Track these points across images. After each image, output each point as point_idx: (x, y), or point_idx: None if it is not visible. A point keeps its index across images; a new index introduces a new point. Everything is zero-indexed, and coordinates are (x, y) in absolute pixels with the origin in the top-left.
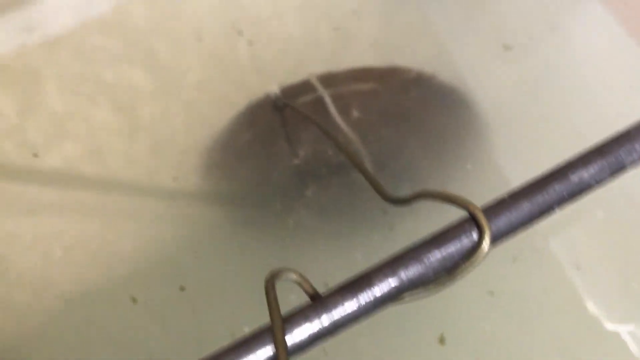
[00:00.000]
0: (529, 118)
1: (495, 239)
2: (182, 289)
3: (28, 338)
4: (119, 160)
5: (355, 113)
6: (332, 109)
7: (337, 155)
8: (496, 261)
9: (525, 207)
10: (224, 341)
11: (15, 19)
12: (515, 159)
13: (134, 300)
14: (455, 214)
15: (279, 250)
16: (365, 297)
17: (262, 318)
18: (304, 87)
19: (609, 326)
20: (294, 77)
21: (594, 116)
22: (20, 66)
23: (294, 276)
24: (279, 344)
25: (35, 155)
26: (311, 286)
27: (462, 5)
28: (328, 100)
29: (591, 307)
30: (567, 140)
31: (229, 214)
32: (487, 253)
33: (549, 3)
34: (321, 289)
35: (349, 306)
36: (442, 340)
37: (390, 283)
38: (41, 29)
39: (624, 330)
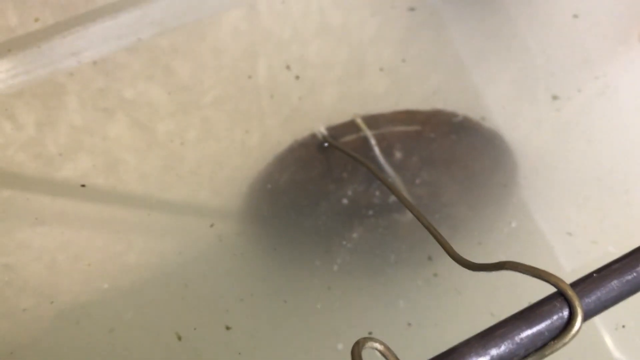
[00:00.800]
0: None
1: (586, 317)
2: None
3: (30, 347)
4: (133, 175)
5: (398, 155)
6: (376, 150)
7: (382, 196)
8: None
9: (614, 286)
10: None
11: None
12: (553, 215)
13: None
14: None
15: (324, 294)
16: None
17: None
18: (349, 127)
19: None
20: (339, 118)
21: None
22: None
23: (379, 347)
24: None
25: (49, 166)
26: (396, 357)
27: (500, 48)
28: (372, 141)
29: None
30: (607, 195)
31: (270, 257)
32: (578, 331)
33: (592, 51)
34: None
35: None
36: None
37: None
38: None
39: None
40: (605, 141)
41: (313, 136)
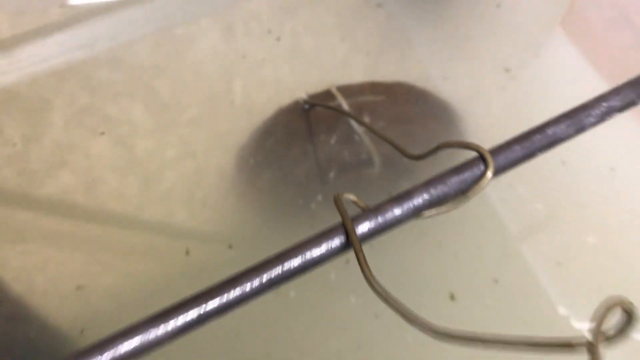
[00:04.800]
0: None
1: (497, 172)
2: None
3: None
4: (111, 194)
5: (367, 119)
6: (355, 127)
7: (353, 155)
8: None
9: (517, 150)
10: None
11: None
12: None
13: None
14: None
15: (305, 228)
16: (406, 206)
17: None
18: (326, 95)
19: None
20: (318, 88)
21: None
22: (31, 94)
23: (352, 197)
24: (351, 231)
25: (31, 182)
26: (364, 203)
27: (450, 35)
28: (345, 107)
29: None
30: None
31: (259, 208)
32: (490, 180)
33: (530, 34)
34: None
35: (394, 212)
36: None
37: (425, 196)
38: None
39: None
40: (540, 113)
41: (296, 102)
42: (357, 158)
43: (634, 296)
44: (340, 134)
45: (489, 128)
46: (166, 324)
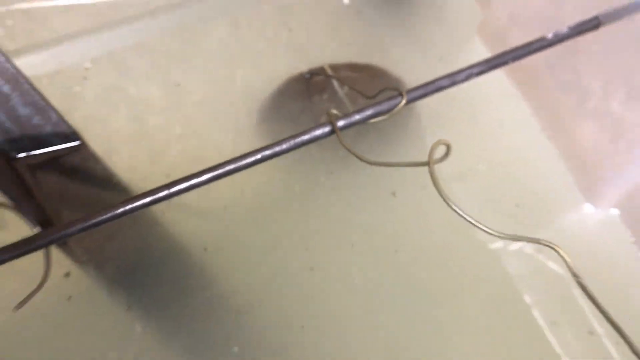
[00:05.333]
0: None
1: (409, 100)
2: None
3: None
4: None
5: (346, 88)
6: (336, 84)
7: (336, 106)
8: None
9: (419, 91)
10: None
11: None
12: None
13: None
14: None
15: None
16: (363, 114)
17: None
18: (321, 70)
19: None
20: (315, 65)
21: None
22: (69, 74)
23: (335, 111)
24: (334, 123)
25: None
26: (341, 113)
27: (405, 28)
28: (335, 82)
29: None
30: (460, 117)
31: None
32: (403, 105)
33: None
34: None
35: (355, 117)
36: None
37: (372, 111)
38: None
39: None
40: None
41: (300, 74)
42: (338, 107)
43: (510, 198)
44: (328, 93)
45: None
46: (202, 177)
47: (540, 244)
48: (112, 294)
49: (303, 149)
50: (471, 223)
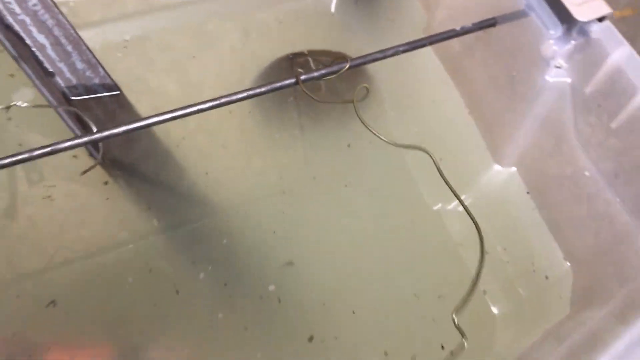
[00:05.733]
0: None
1: (351, 66)
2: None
3: None
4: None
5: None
6: (312, 65)
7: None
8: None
9: (359, 60)
10: None
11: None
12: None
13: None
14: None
15: (285, 111)
16: (316, 73)
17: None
18: (301, 54)
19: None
20: (299, 49)
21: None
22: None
23: (302, 71)
24: (298, 77)
25: None
26: (305, 74)
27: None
28: (311, 61)
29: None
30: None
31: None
32: (347, 68)
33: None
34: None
35: (314, 74)
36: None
37: (321, 72)
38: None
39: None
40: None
41: (286, 55)
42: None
43: (437, 155)
44: (305, 69)
45: (384, 77)
46: (205, 104)
47: (416, 148)
48: (139, 196)
49: (284, 102)
50: (379, 137)
